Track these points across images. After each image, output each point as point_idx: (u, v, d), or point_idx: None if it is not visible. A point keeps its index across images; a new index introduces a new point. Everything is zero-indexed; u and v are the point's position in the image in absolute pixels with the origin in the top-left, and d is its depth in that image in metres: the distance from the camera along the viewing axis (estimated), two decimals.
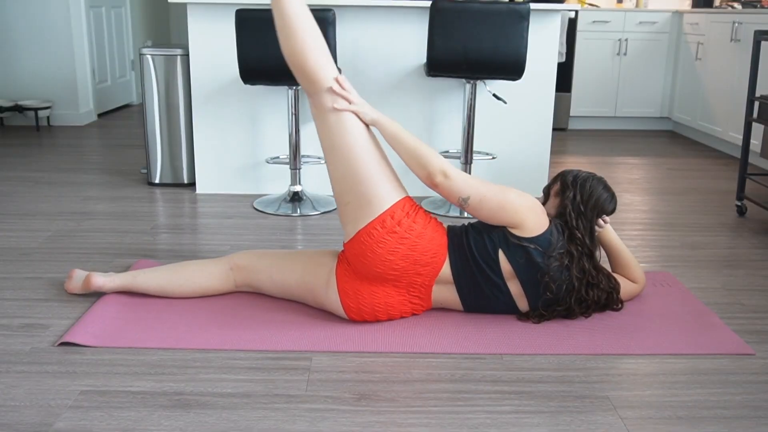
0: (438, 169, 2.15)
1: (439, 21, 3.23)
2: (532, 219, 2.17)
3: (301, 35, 2.14)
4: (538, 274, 2.18)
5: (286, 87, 3.55)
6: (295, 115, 3.49)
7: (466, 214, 3.45)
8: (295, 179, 3.57)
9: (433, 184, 2.18)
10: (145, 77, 3.74)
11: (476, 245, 2.20)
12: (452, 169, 2.17)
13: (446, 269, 2.21)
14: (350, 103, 2.17)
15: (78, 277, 2.40)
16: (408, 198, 2.22)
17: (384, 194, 2.15)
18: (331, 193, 3.81)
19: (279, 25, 2.17)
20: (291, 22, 2.15)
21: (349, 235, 2.17)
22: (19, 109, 5.43)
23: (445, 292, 2.25)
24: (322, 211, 3.48)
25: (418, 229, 2.17)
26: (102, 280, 2.35)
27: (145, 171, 4.02)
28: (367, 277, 2.17)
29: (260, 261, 2.36)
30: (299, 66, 2.16)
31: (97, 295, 2.41)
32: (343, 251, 2.25)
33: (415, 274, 2.18)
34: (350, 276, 2.18)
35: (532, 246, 2.15)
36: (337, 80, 2.16)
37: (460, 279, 2.22)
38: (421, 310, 2.28)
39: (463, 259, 2.21)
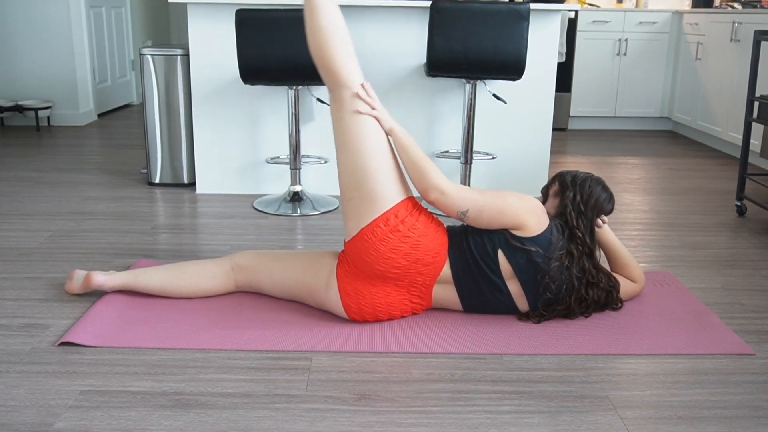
0: (435, 186, 2.16)
1: (439, 21, 3.23)
2: (533, 220, 2.18)
3: (328, 31, 2.18)
4: (538, 275, 2.18)
5: (286, 87, 3.55)
6: (295, 115, 3.49)
7: None
8: (295, 179, 3.57)
9: (429, 201, 2.19)
10: (145, 77, 3.74)
11: (476, 246, 2.20)
12: (450, 186, 2.18)
13: (446, 269, 2.22)
14: (373, 109, 2.20)
15: (78, 277, 2.40)
16: (412, 198, 2.23)
17: (388, 193, 2.16)
18: (332, 193, 3.81)
19: (308, 21, 2.21)
20: (320, 19, 2.18)
21: (351, 233, 2.17)
22: (19, 109, 5.44)
23: (445, 292, 2.26)
24: (322, 211, 3.48)
25: (420, 229, 2.18)
26: (102, 278, 2.35)
27: (145, 171, 4.02)
28: (368, 277, 2.17)
29: (260, 261, 2.36)
30: (326, 61, 2.20)
31: (98, 294, 2.41)
32: (343, 251, 2.25)
33: (416, 274, 2.18)
34: (351, 276, 2.19)
35: (533, 249, 2.15)
36: (363, 86, 2.20)
37: (459, 279, 2.23)
38: (421, 309, 2.28)
39: (462, 260, 2.21)
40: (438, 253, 2.20)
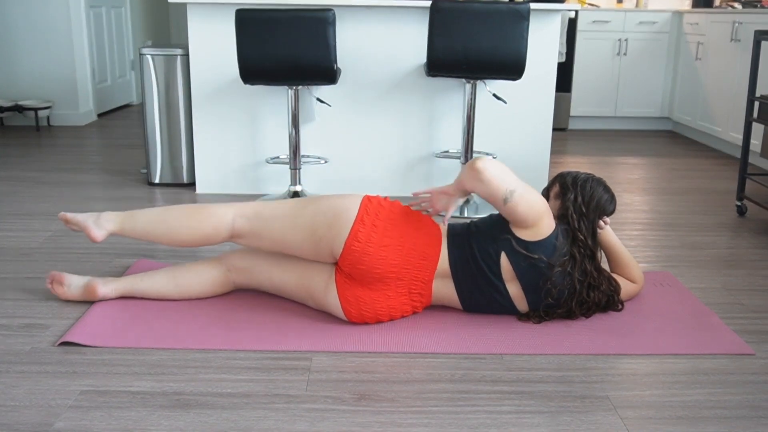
0: (480, 158, 2.12)
1: (439, 21, 3.23)
2: (546, 222, 2.17)
3: (178, 228, 2.28)
4: (540, 280, 2.17)
5: (286, 87, 3.55)
6: (295, 115, 3.49)
7: (465, 213, 3.45)
8: (295, 179, 3.57)
9: (480, 168, 2.09)
10: (145, 77, 3.74)
11: (479, 246, 2.20)
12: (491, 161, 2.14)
13: (444, 261, 2.21)
14: (433, 192, 2.28)
15: (75, 285, 2.34)
16: (368, 195, 2.25)
17: (342, 202, 2.19)
18: (331, 192, 3.81)
19: (161, 241, 2.31)
20: (161, 231, 2.28)
21: (337, 252, 2.16)
22: (19, 109, 5.44)
23: (445, 287, 2.25)
24: None
25: (398, 213, 2.20)
26: (104, 290, 2.32)
27: (145, 171, 4.02)
28: (369, 284, 2.17)
29: (258, 262, 2.35)
30: (203, 240, 2.29)
31: None
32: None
33: (414, 269, 2.18)
34: (350, 283, 2.18)
35: (536, 257, 2.14)
36: (414, 195, 2.33)
37: (459, 278, 2.22)
38: (421, 307, 2.27)
39: (463, 259, 2.21)
40: (429, 242, 2.20)
